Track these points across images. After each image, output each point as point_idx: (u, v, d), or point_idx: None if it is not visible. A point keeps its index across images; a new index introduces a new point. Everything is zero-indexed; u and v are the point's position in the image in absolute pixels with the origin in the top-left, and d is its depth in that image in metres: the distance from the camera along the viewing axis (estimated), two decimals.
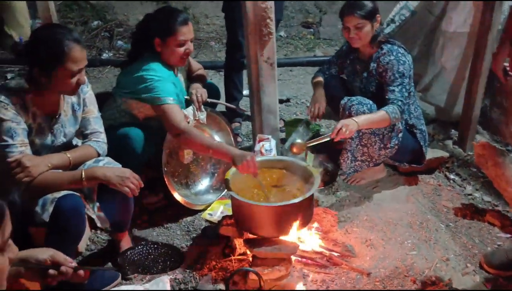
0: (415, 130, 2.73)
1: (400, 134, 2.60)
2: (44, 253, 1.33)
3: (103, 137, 2.16)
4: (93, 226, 2.41)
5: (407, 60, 2.56)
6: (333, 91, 2.83)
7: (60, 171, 1.93)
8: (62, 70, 1.84)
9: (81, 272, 1.39)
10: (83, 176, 1.88)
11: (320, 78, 2.93)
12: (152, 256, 1.56)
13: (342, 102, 2.59)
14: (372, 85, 2.68)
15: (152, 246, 1.59)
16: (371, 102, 2.54)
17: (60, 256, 1.35)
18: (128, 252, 1.56)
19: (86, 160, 2.05)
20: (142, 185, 1.94)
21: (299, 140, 2.71)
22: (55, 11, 2.36)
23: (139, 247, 1.58)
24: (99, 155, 2.10)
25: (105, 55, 5.47)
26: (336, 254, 2.25)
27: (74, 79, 1.89)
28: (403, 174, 2.90)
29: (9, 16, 2.32)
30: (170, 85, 2.46)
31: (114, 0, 6.38)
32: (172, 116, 2.36)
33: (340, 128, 2.34)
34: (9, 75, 4.82)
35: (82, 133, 2.16)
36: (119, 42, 5.75)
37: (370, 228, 2.47)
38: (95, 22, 6.04)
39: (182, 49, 2.47)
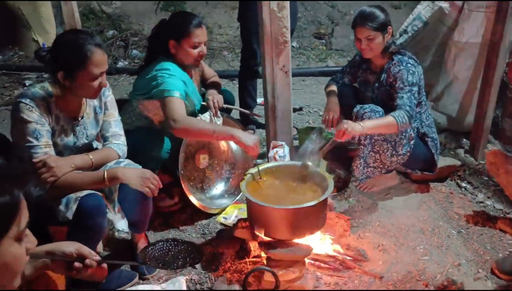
0: (426, 139, 2.76)
1: (412, 142, 2.64)
2: (71, 246, 1.36)
3: (123, 140, 2.23)
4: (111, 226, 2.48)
5: (416, 71, 2.60)
6: (345, 100, 2.88)
7: (82, 171, 2.00)
8: (85, 74, 1.91)
9: (105, 265, 1.43)
10: (106, 176, 1.94)
11: (334, 87, 2.98)
12: (172, 252, 1.60)
13: (355, 110, 2.64)
14: (383, 95, 2.73)
15: (172, 242, 1.63)
16: (382, 110, 2.59)
17: (85, 249, 1.38)
18: (149, 248, 1.61)
19: (107, 161, 2.11)
20: (161, 186, 2.00)
21: (312, 146, 2.77)
22: (79, 18, 2.45)
23: (160, 244, 1.62)
24: (119, 157, 2.17)
25: (120, 64, 5.59)
26: (349, 258, 2.28)
27: (96, 83, 1.96)
28: (415, 181, 2.93)
29: (36, 23, 2.42)
30: (180, 82, 2.50)
31: (130, 0, 6.45)
32: (170, 108, 2.38)
33: (344, 129, 2.39)
34: (27, 82, 4.96)
35: (103, 136, 2.23)
36: (134, 51, 5.87)
37: (382, 233, 2.50)
38: (111, 32, 6.18)
39: (196, 51, 2.54)
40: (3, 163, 0.97)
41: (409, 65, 2.60)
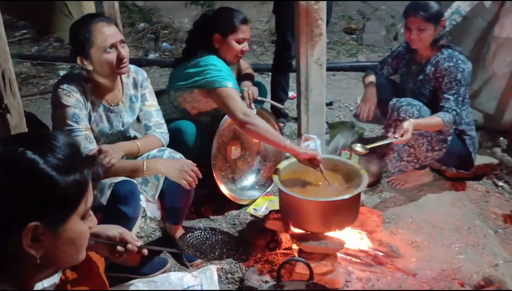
0: (464, 136, 2.69)
1: (449, 138, 2.58)
2: (114, 230, 1.40)
3: (165, 128, 2.27)
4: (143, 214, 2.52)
5: (466, 68, 2.52)
6: (382, 93, 2.82)
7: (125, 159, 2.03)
8: (96, 49, 1.92)
9: (145, 251, 1.45)
10: (145, 167, 1.97)
11: (372, 77, 2.92)
12: (209, 242, 1.61)
13: (391, 103, 2.59)
14: (426, 88, 2.66)
15: (210, 231, 1.63)
16: (420, 103, 2.53)
17: (128, 234, 1.41)
18: (188, 235, 1.62)
19: (152, 148, 2.16)
20: (200, 176, 2.02)
21: (343, 140, 2.74)
22: (118, 11, 2.49)
23: (198, 232, 1.62)
24: (162, 145, 2.21)
25: (151, 56, 5.65)
26: (381, 253, 2.25)
27: (112, 56, 1.94)
28: (450, 179, 2.86)
29: (78, 13, 2.48)
30: (230, 74, 2.50)
31: (160, 0, 6.54)
32: (233, 102, 2.36)
33: (404, 131, 2.34)
34: (61, 72, 5.07)
35: (145, 125, 2.26)
36: (164, 44, 5.92)
37: (415, 230, 2.45)
38: (142, 24, 6.24)
39: (240, 47, 2.54)
40: (72, 142, 1.01)
41: (459, 62, 2.52)
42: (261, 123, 2.33)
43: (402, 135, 2.36)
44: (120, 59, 1.97)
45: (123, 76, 2.14)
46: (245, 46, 2.57)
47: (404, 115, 2.51)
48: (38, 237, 0.93)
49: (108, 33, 1.93)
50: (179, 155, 2.18)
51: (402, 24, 2.67)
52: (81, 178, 0.98)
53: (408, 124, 2.38)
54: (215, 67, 2.44)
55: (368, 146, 2.44)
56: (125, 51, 1.98)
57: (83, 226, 1.03)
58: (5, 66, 1.64)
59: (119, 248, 1.38)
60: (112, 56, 1.95)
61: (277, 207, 2.36)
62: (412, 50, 2.73)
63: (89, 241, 1.38)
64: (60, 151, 0.96)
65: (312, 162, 2.24)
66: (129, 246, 1.39)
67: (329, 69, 4.92)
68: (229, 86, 2.40)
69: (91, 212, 1.09)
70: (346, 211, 2.15)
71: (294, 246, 2.23)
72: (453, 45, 2.63)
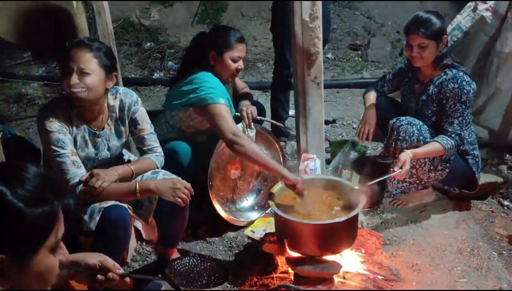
0: (467, 156, 2.62)
1: (452, 158, 2.51)
2: (94, 258, 1.36)
3: (160, 151, 2.26)
4: (140, 237, 2.49)
5: (471, 89, 2.46)
6: (383, 112, 2.77)
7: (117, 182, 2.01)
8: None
9: (127, 279, 1.42)
10: (137, 188, 1.96)
11: (373, 95, 2.86)
12: (197, 269, 1.58)
13: (391, 122, 2.54)
14: (429, 109, 2.60)
15: (198, 258, 1.61)
16: (421, 123, 2.48)
17: (109, 262, 1.38)
18: (176, 262, 1.59)
19: (146, 171, 2.15)
20: (193, 193, 2.01)
21: (344, 159, 2.69)
22: (112, 31, 2.50)
23: (186, 259, 1.60)
24: (157, 167, 2.19)
25: (156, 75, 5.69)
26: (380, 277, 2.18)
27: (69, 80, 1.89)
28: (453, 198, 2.80)
29: (71, 34, 2.50)
30: (223, 90, 2.49)
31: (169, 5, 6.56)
32: (223, 121, 2.35)
33: (402, 163, 2.32)
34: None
35: (139, 149, 2.26)
36: (170, 63, 5.96)
37: (417, 252, 2.39)
38: (148, 44, 6.31)
39: (235, 65, 2.55)
40: (43, 173, 0.99)
41: (464, 83, 2.45)
42: (249, 145, 2.30)
43: (401, 167, 2.33)
44: (69, 85, 1.90)
45: (109, 98, 2.12)
46: (240, 64, 2.57)
47: (404, 135, 2.46)
48: (3, 270, 0.91)
49: (73, 58, 1.91)
50: (174, 176, 2.16)
51: None
52: (50, 209, 0.97)
53: (404, 156, 2.33)
54: (208, 84, 2.44)
55: (369, 183, 2.34)
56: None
57: (52, 259, 1.01)
58: None
59: (99, 276, 1.35)
60: (69, 80, 1.90)
61: (274, 229, 2.32)
62: (414, 68, 2.68)
63: (68, 271, 1.37)
64: (30, 182, 0.95)
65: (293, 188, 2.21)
66: (110, 274, 1.36)
67: (333, 86, 4.94)
68: (221, 102, 2.39)
69: (62, 244, 1.07)
70: (343, 234, 2.10)
71: (291, 270, 2.18)
72: (457, 64, 2.56)
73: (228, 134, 2.32)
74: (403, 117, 2.53)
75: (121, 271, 1.39)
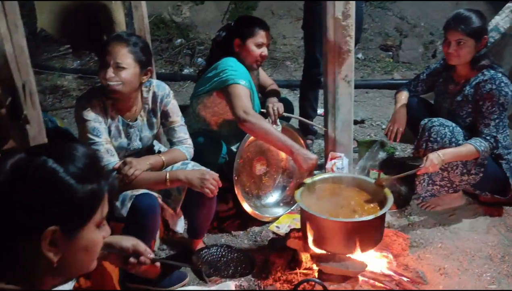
0: (501, 161, 2.55)
1: (486, 161, 2.45)
2: (128, 241, 1.41)
3: (190, 142, 2.30)
4: (166, 227, 2.53)
5: (509, 91, 2.39)
6: (414, 112, 2.72)
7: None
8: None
9: (158, 264, 1.45)
10: (168, 177, 2.01)
11: (405, 95, 2.83)
12: (225, 259, 1.59)
13: (422, 122, 2.50)
14: (463, 110, 2.55)
15: (226, 249, 1.62)
16: (454, 124, 2.43)
17: (142, 246, 1.42)
18: (203, 251, 1.61)
19: (176, 162, 2.19)
20: (221, 185, 2.04)
21: (372, 159, 2.66)
22: (148, 26, 2.56)
23: (214, 248, 1.62)
24: (187, 158, 2.24)
25: (186, 71, 5.76)
26: (406, 279, 2.15)
27: (105, 72, 1.96)
28: (484, 203, 2.73)
29: (110, 29, 2.58)
30: (246, 73, 2.52)
31: (199, 2, 6.64)
32: (238, 99, 2.38)
33: (431, 164, 2.28)
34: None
35: (170, 141, 2.30)
36: (199, 59, 6.02)
37: (444, 256, 2.34)
38: (179, 40, 6.39)
39: (259, 51, 2.59)
40: (90, 154, 1.04)
41: (502, 84, 2.39)
42: (259, 122, 2.34)
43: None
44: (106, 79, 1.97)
45: (143, 90, 2.17)
46: (264, 51, 2.61)
47: (435, 136, 2.42)
48: (56, 242, 0.96)
49: (111, 52, 1.98)
50: (203, 168, 2.19)
51: (441, 42, 2.57)
52: (98, 187, 1.01)
53: (433, 155, 2.29)
54: (231, 67, 2.49)
55: (394, 177, 2.33)
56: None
57: (97, 234, 1.05)
58: (26, 79, 1.70)
59: (131, 259, 1.39)
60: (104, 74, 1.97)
61: (299, 226, 2.32)
62: (450, 68, 2.63)
63: (102, 251, 1.41)
64: (80, 161, 1.00)
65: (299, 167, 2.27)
66: (142, 258, 1.40)
67: (363, 86, 4.88)
68: (241, 83, 2.42)
69: (105, 222, 1.11)
70: (370, 233, 2.07)
71: (315, 266, 2.17)
72: (496, 66, 2.49)
73: (239, 111, 2.35)
74: (436, 119, 2.49)
75: (152, 256, 1.43)
